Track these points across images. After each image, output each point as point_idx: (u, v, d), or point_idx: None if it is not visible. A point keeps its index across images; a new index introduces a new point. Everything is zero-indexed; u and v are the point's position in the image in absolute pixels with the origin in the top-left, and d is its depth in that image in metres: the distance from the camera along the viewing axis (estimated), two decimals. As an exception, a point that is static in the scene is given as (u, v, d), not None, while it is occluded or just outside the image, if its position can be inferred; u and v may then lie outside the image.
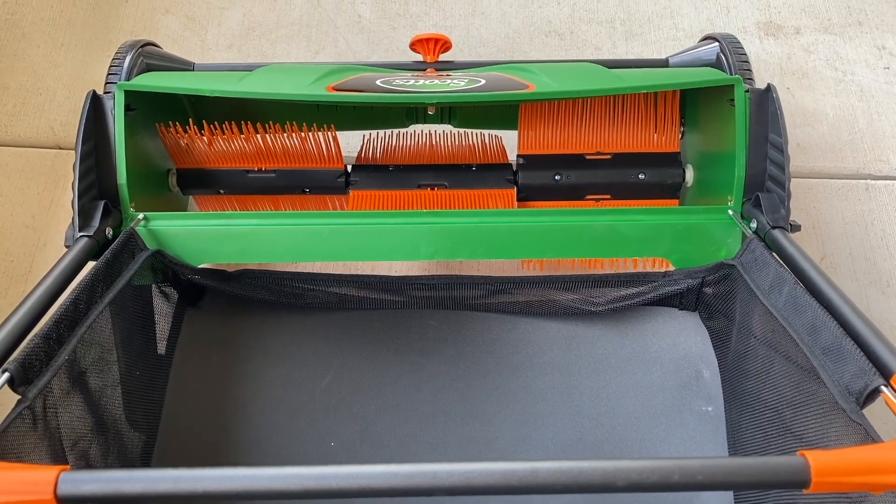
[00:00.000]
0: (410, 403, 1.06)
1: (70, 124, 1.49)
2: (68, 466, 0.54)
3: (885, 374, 0.68)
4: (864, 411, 0.70)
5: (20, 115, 1.51)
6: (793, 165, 1.32)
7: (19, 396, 0.72)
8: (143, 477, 0.54)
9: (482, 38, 1.60)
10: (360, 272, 1.25)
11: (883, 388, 0.68)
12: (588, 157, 1.19)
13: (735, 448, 0.99)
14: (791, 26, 1.67)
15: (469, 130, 1.26)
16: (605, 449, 1.02)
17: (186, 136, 1.11)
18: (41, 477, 0.53)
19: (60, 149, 1.48)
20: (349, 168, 1.20)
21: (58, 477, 0.53)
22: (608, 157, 1.19)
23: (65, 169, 1.44)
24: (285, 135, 1.13)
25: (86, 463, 0.83)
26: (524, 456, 1.02)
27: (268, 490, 0.54)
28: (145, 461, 0.99)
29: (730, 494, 0.98)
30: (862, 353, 0.72)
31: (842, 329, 0.76)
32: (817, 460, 0.54)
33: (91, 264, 0.91)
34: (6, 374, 0.69)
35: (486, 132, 1.25)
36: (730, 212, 1.03)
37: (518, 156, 1.19)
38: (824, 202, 1.45)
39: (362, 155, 1.24)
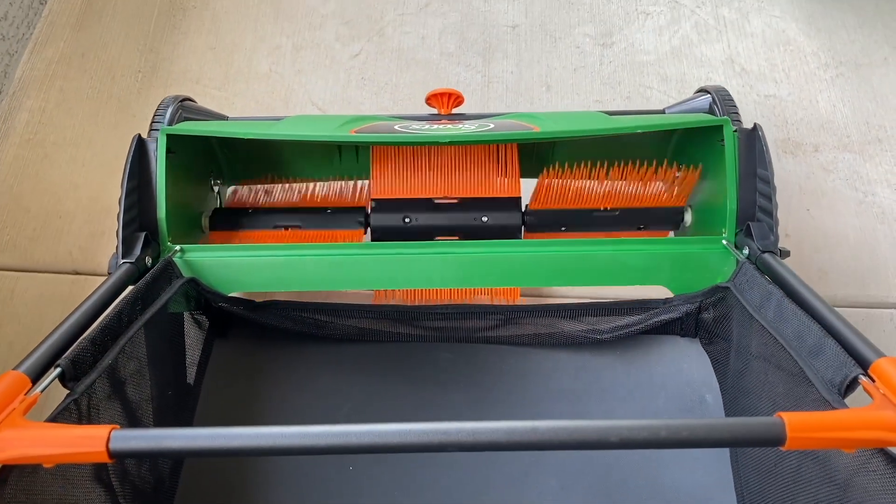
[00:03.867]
0: None
1: (88, 249, 1.51)
2: (118, 426, 0.61)
3: (863, 364, 0.74)
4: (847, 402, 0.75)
5: (40, 238, 1.51)
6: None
7: (67, 392, 0.79)
8: (184, 434, 0.61)
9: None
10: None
11: (861, 376, 0.73)
12: (596, 214, 1.27)
13: (738, 464, 1.03)
14: (810, 143, 1.64)
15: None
16: (613, 472, 1.06)
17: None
18: (95, 433, 0.60)
19: (78, 274, 1.48)
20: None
21: (110, 434, 0.60)
22: (616, 213, 1.26)
23: (82, 294, 1.35)
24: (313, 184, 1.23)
25: (121, 468, 0.89)
26: (536, 481, 1.06)
27: (294, 446, 0.60)
28: (174, 479, 1.04)
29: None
30: (842, 349, 0.77)
31: (824, 330, 0.82)
32: (792, 419, 0.60)
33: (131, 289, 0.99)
34: (58, 369, 0.77)
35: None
36: (724, 241, 1.10)
37: (527, 210, 1.26)
38: (847, 333, 1.38)
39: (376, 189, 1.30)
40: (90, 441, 0.59)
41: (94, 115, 1.71)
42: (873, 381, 0.72)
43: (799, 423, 0.59)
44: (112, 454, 0.59)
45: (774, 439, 0.59)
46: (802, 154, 1.62)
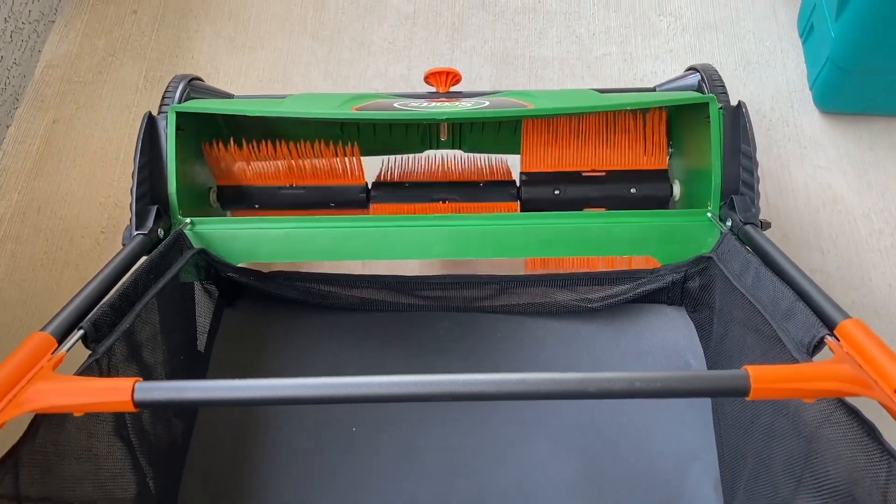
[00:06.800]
0: None
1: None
2: (140, 378, 0.66)
3: (830, 325, 0.80)
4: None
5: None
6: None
7: (89, 353, 0.85)
8: (201, 386, 0.67)
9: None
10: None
11: (827, 336, 0.79)
12: (584, 174, 1.33)
13: (719, 426, 1.09)
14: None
15: (477, 155, 1.39)
16: (603, 433, 1.12)
17: (227, 153, 1.26)
18: (121, 384, 0.66)
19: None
20: (370, 185, 1.34)
21: (134, 385, 0.66)
22: (603, 174, 1.33)
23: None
24: (314, 153, 1.28)
25: (139, 425, 0.95)
26: (528, 445, 1.12)
27: (300, 396, 0.66)
28: (185, 439, 1.10)
29: (716, 472, 1.07)
30: (811, 311, 0.83)
31: (796, 295, 0.87)
32: (757, 371, 0.65)
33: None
34: (81, 332, 0.83)
35: (492, 157, 1.39)
36: (708, 214, 1.16)
37: (521, 173, 1.33)
38: None
39: (381, 176, 1.38)
40: (116, 392, 0.65)
41: (48, 287, 1.50)
42: (838, 340, 0.77)
43: (762, 375, 0.65)
44: (136, 403, 0.65)
45: (740, 390, 0.65)
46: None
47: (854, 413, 0.72)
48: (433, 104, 1.22)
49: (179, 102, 1.24)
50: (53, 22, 1.86)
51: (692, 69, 1.36)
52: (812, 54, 1.71)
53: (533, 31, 1.85)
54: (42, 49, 1.82)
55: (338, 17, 1.87)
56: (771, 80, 1.76)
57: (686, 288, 1.19)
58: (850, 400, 0.72)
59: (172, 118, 1.15)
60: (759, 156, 1.56)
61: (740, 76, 1.76)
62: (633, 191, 1.31)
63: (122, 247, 1.06)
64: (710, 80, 1.27)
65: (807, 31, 1.74)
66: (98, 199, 1.61)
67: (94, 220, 1.58)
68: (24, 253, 1.54)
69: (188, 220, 1.15)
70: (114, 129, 1.71)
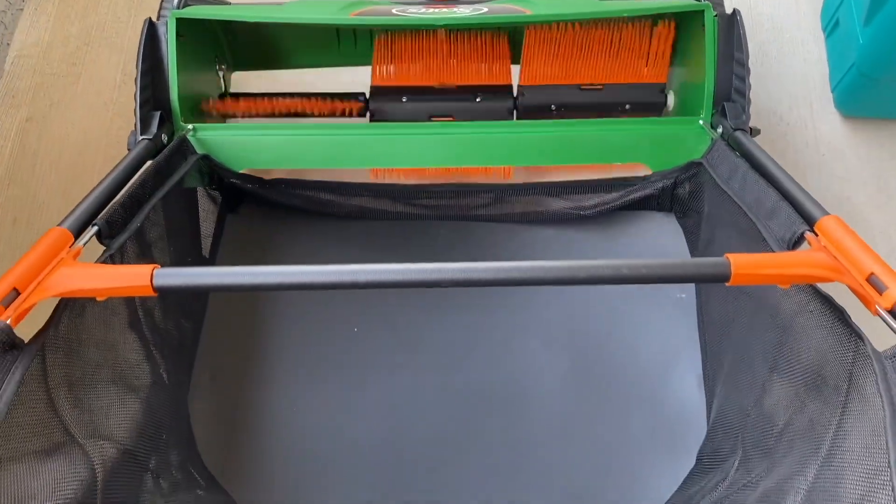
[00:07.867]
0: (423, 298, 1.21)
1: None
2: (159, 265, 0.70)
3: (810, 221, 0.84)
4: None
5: None
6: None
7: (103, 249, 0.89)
8: (215, 272, 0.71)
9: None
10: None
11: (807, 232, 0.83)
12: (583, 87, 1.34)
13: (703, 325, 1.14)
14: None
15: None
16: (592, 332, 1.17)
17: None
18: (141, 270, 0.70)
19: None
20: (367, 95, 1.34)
21: (153, 271, 0.70)
22: (600, 87, 1.34)
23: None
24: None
25: (151, 322, 1.00)
26: (520, 343, 1.17)
27: (307, 282, 0.71)
28: (195, 336, 1.15)
29: (699, 368, 1.13)
30: (793, 209, 0.87)
31: (780, 195, 0.91)
32: (737, 259, 0.70)
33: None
34: (95, 228, 0.86)
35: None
36: (700, 121, 1.18)
37: (519, 86, 1.33)
38: None
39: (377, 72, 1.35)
40: (137, 277, 0.69)
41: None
42: (818, 236, 0.82)
43: (742, 262, 0.69)
44: (156, 288, 0.69)
45: (721, 276, 0.70)
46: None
47: (827, 300, 0.77)
48: (431, 10, 1.22)
49: (178, 9, 1.23)
50: (21, 10, 1.69)
51: None
52: (836, 54, 1.57)
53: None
54: (10, 41, 1.66)
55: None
56: (790, 77, 1.62)
57: (676, 194, 1.23)
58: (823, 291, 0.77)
59: (172, 25, 1.15)
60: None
61: (757, 71, 1.52)
62: (627, 107, 1.33)
63: (127, 151, 1.08)
64: None
65: (831, 26, 1.58)
66: (77, 211, 1.47)
67: (74, 233, 1.41)
68: (-2, 270, 1.42)
69: (190, 126, 1.17)
70: (91, 131, 1.55)
